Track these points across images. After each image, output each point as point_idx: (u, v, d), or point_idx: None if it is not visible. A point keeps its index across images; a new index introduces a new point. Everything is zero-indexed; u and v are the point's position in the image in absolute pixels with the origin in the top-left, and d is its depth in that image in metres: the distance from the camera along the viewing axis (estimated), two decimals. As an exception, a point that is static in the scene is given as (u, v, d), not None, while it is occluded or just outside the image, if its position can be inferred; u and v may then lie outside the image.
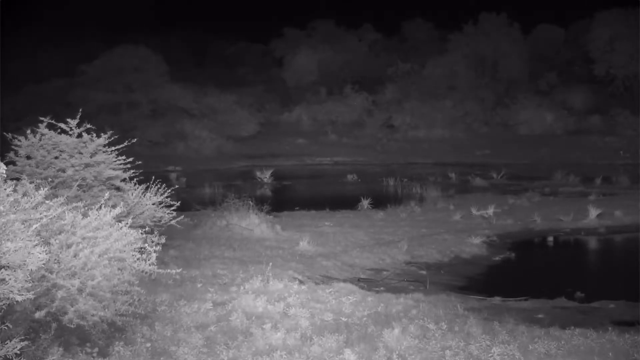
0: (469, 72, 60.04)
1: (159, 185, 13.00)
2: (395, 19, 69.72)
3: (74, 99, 45.51)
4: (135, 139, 13.75)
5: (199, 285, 13.28)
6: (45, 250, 7.44)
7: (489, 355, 9.52)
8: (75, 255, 8.07)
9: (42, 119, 11.94)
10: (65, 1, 64.26)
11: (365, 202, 26.79)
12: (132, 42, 53.51)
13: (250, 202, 21.61)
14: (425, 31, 68.52)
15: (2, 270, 7.08)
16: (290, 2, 78.50)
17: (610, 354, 9.82)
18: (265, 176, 37.29)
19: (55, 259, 7.96)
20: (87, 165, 12.06)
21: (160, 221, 12.71)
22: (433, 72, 59.67)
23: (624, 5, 57.49)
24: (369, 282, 15.93)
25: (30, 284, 7.15)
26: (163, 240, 10.20)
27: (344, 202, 27.84)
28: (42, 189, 8.10)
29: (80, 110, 12.18)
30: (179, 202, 13.59)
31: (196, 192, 31.83)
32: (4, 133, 12.29)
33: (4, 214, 7.37)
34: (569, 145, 50.56)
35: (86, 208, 9.06)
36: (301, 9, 74.87)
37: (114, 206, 9.17)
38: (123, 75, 51.05)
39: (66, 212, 8.38)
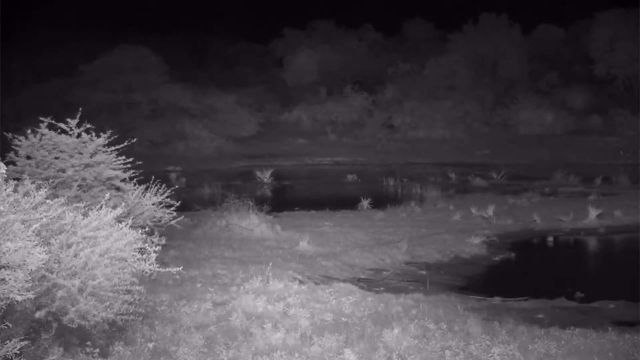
0: (469, 72, 60.06)
1: (158, 186, 13.02)
2: (395, 19, 69.72)
3: (74, 99, 45.47)
4: (135, 139, 13.76)
5: (198, 285, 13.29)
6: (46, 250, 7.46)
7: (489, 355, 9.53)
8: (75, 255, 8.09)
9: (42, 119, 11.95)
10: (65, 1, 64.27)
11: (365, 202, 26.79)
12: (132, 42, 53.50)
13: (250, 202, 21.61)
14: (425, 31, 68.53)
15: (2, 270, 7.09)
16: (290, 2, 78.49)
17: (610, 354, 9.83)
18: (265, 176, 37.28)
19: (56, 259, 7.98)
20: (87, 166, 12.08)
21: (160, 221, 12.73)
22: (433, 72, 59.68)
23: (624, 5, 57.56)
24: (369, 282, 15.94)
25: (30, 284, 7.16)
26: (163, 241, 10.22)
27: (344, 202, 27.83)
28: (42, 189, 8.11)
29: (80, 110, 12.19)
30: (179, 202, 13.63)
31: (196, 192, 31.84)
32: (4, 133, 12.30)
33: (4, 214, 7.38)
34: (569, 145, 50.55)
35: (86, 208, 9.07)
36: (301, 9, 74.76)
37: (114, 206, 9.18)
38: (123, 75, 51.03)
39: (66, 212, 8.40)
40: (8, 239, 7.26)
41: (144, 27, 65.08)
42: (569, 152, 48.18)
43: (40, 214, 7.85)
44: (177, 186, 15.49)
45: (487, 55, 61.09)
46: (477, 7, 63.25)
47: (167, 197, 12.96)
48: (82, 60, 51.83)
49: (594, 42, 58.73)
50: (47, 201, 8.18)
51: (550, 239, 21.91)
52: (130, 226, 8.87)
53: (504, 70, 60.87)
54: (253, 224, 20.35)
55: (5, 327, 7.26)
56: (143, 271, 8.75)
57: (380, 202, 27.25)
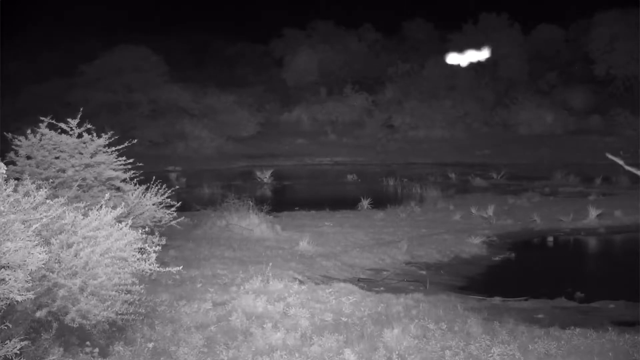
0: (469, 72, 60.08)
1: (159, 186, 13.03)
2: (395, 19, 69.74)
3: (74, 99, 45.51)
4: (136, 140, 13.75)
5: (198, 286, 13.29)
6: (46, 250, 7.46)
7: (489, 355, 9.53)
8: (76, 255, 8.09)
9: (42, 119, 11.96)
10: (65, 1, 64.26)
11: (365, 203, 26.79)
12: (132, 42, 53.50)
13: (250, 202, 21.63)
14: (425, 31, 68.52)
15: (2, 270, 7.09)
16: (290, 2, 78.52)
17: (610, 354, 9.83)
18: (265, 176, 37.29)
19: (56, 259, 7.98)
20: (87, 166, 12.08)
21: (160, 221, 12.74)
22: (433, 72, 59.69)
23: (624, 6, 57.54)
24: (369, 282, 15.95)
25: (30, 284, 7.16)
26: (163, 242, 10.22)
27: (343, 202, 27.84)
28: (42, 189, 8.12)
29: (81, 110, 12.19)
30: (179, 203, 13.64)
31: (196, 192, 31.86)
32: (4, 133, 12.30)
33: (4, 214, 7.38)
34: (569, 145, 50.56)
35: (87, 208, 9.08)
36: (301, 9, 74.82)
37: (114, 207, 9.18)
38: (123, 75, 51.05)
39: (67, 212, 8.41)
40: (8, 239, 7.26)
41: (144, 27, 65.07)
42: (569, 152, 48.20)
43: (41, 214, 7.86)
44: (177, 186, 15.54)
45: (487, 56, 61.07)
46: (477, 7, 63.31)
47: (167, 198, 12.98)
48: (82, 60, 51.83)
49: (593, 42, 58.71)
50: (48, 201, 8.19)
51: (550, 239, 21.92)
52: (131, 226, 8.87)
53: (503, 71, 60.90)
54: (253, 224, 20.36)
55: (5, 327, 7.26)
56: (143, 271, 8.76)
57: (380, 202, 27.25)
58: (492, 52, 60.17)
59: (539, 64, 61.83)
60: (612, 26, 57.29)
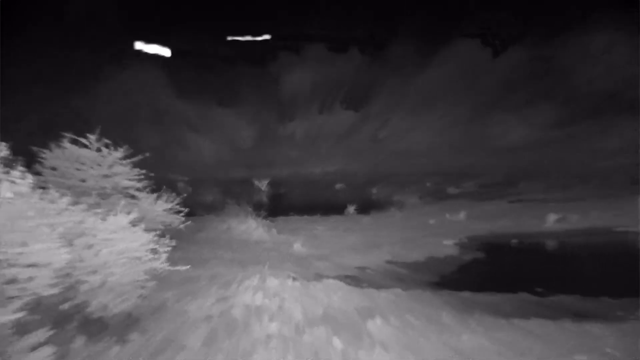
0: (452, 86, 59.82)
1: (168, 194, 13.21)
2: (383, 37, 69.43)
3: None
4: (148, 154, 13.91)
5: (203, 283, 13.42)
6: (69, 251, 7.63)
7: (460, 342, 9.74)
8: (96, 255, 8.26)
9: (64, 134, 12.12)
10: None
11: (353, 208, 26.96)
12: (140, 59, 53.32)
13: (248, 207, 21.78)
14: (410, 50, 68.55)
15: (30, 268, 7.26)
16: (284, 27, 78.60)
17: (571, 342, 10.04)
18: (262, 184, 37.42)
19: (78, 258, 8.14)
20: (105, 176, 12.25)
21: (170, 225, 12.90)
22: (417, 89, 59.83)
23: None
24: (355, 280, 16.12)
25: (55, 281, 7.33)
26: (174, 243, 10.39)
27: (334, 208, 28.00)
28: (66, 197, 8.30)
29: (99, 127, 12.36)
30: (187, 209, 13.80)
31: (200, 199, 31.92)
32: (31, 147, 12.44)
33: (32, 218, 7.55)
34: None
35: (105, 214, 9.25)
36: (293, 33, 74.80)
37: (129, 212, 9.36)
38: (126, 87, 51.02)
39: (87, 217, 8.58)
40: (36, 241, 7.43)
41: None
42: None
43: (64, 219, 8.03)
44: (185, 195, 15.68)
45: (471, 69, 60.79)
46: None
47: (176, 205, 13.15)
48: (92, 77, 51.64)
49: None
50: (70, 207, 8.36)
51: (515, 240, 22.16)
52: (144, 229, 9.05)
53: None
54: (251, 227, 20.50)
55: (34, 319, 7.42)
56: (155, 269, 8.93)
57: (367, 208, 27.44)
58: (481, 59, 59.79)
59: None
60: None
